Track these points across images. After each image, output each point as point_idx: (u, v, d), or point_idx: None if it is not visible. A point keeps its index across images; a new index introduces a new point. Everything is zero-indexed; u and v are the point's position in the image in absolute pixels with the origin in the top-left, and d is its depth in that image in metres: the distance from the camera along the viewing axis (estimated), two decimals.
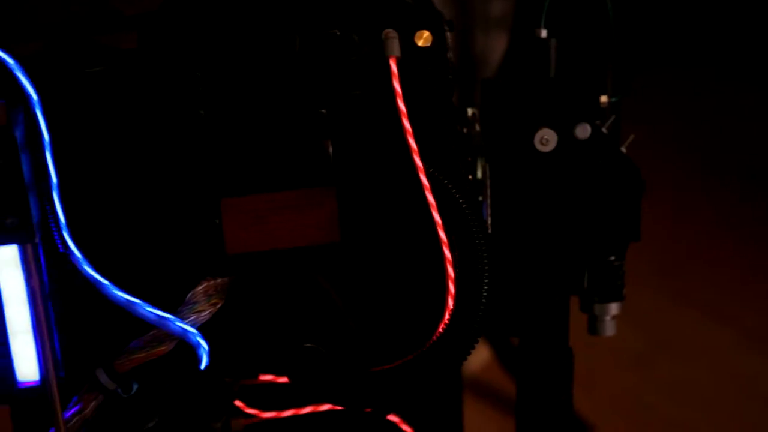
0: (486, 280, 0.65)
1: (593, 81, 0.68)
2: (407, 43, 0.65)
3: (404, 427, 0.72)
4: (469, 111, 0.70)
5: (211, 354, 0.65)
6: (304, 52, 0.64)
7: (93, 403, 0.64)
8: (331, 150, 0.65)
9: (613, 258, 0.70)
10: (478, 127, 0.70)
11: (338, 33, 0.64)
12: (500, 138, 0.69)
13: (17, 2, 0.81)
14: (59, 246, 0.62)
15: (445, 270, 0.64)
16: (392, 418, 0.73)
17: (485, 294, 0.66)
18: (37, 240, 0.62)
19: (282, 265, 0.67)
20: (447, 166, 0.65)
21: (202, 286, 0.65)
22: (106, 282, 0.61)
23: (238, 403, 0.70)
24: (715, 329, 1.30)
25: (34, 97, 0.60)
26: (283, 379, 0.69)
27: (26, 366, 0.66)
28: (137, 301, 0.62)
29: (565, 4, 0.70)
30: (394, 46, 0.63)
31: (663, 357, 1.25)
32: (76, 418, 0.64)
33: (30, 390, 0.66)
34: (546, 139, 0.66)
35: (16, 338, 0.65)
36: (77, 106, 0.63)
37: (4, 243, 0.61)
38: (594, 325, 0.72)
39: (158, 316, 0.62)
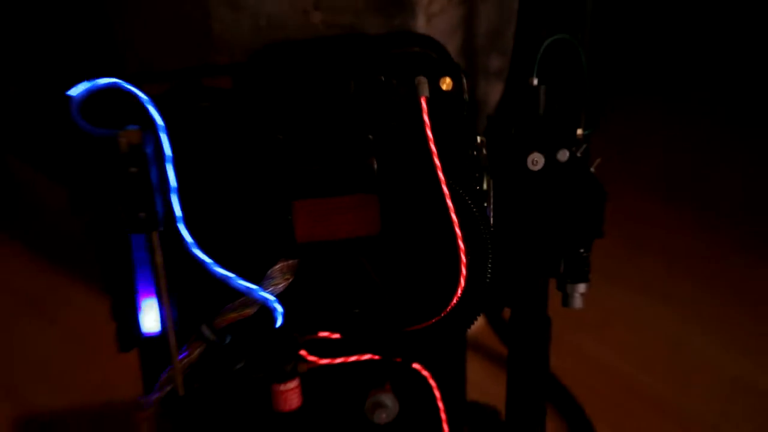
0: (489, 265, 0.75)
1: (571, 118, 0.76)
2: (433, 86, 0.73)
3: (424, 372, 0.82)
4: (478, 138, 0.77)
5: (284, 316, 0.74)
6: (357, 92, 0.73)
7: (197, 350, 0.74)
8: (375, 166, 0.74)
9: (582, 250, 0.79)
10: (484, 152, 0.77)
11: (382, 78, 0.73)
12: (501, 160, 0.77)
13: (151, 58, 0.90)
14: (177, 233, 0.70)
15: (459, 257, 0.73)
16: (415, 366, 0.82)
17: (488, 275, 0.75)
18: (160, 229, 0.70)
19: (337, 250, 0.76)
20: (461, 180, 0.74)
21: (279, 265, 0.75)
22: (209, 261, 0.71)
23: (302, 352, 0.78)
24: (653, 305, 1.41)
25: (160, 123, 0.68)
26: (336, 336, 0.79)
27: (150, 321, 0.76)
28: (232, 275, 0.71)
29: (549, 58, 0.77)
30: (424, 89, 0.72)
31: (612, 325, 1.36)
32: (185, 361, 0.74)
33: (152, 339, 0.76)
34: (536, 161, 0.75)
35: (143, 301, 0.75)
36: (191, 131, 0.72)
37: (137, 232, 0.70)
38: (566, 300, 0.80)
39: (247, 287, 0.72)
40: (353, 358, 0.80)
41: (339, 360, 0.80)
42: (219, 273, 0.72)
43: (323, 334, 0.79)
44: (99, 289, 1.40)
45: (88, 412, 1.26)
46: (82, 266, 1.47)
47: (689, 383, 1.26)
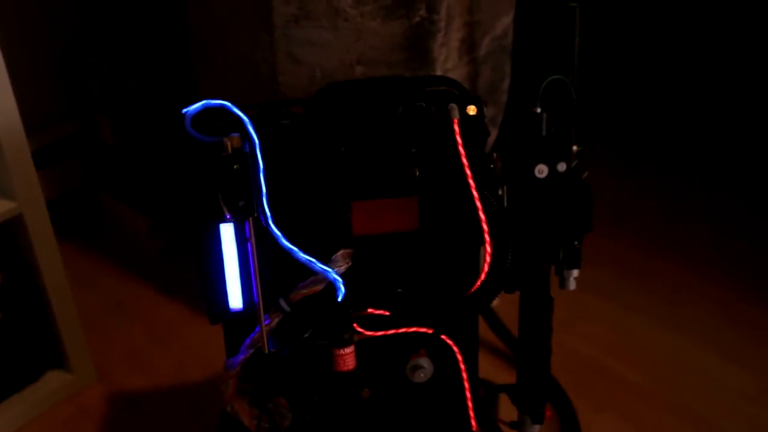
0: (509, 252, 0.74)
1: (567, 138, 0.76)
2: (462, 112, 0.73)
3: (449, 341, 0.79)
4: (494, 155, 0.77)
5: (343, 294, 0.72)
6: (403, 115, 0.73)
7: (276, 320, 0.73)
8: (417, 173, 0.72)
9: (576, 242, 0.78)
10: (499, 164, 0.76)
11: (423, 105, 0.73)
12: (514, 171, 0.76)
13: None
14: (267, 227, 0.69)
15: (485, 245, 0.72)
16: (443, 337, 0.79)
17: (508, 261, 0.74)
18: (256, 214, 0.68)
19: (384, 242, 0.74)
20: (484, 186, 0.73)
21: (340, 252, 0.73)
22: (295, 248, 0.69)
23: (355, 325, 0.76)
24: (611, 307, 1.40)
25: (254, 136, 0.67)
26: (382, 312, 0.77)
27: (235, 299, 0.74)
28: (312, 259, 0.70)
29: (547, 90, 0.77)
30: (456, 113, 0.72)
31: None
32: (266, 328, 0.73)
33: (236, 314, 0.74)
34: (541, 170, 0.75)
35: (231, 281, 0.73)
36: (275, 144, 0.71)
37: (239, 219, 0.68)
38: (563, 283, 0.79)
39: (323, 269, 0.70)
40: (391, 331, 0.78)
41: (381, 333, 0.78)
42: (303, 258, 0.70)
43: (372, 311, 0.77)
44: (167, 295, 1.41)
45: (165, 391, 1.24)
46: (155, 278, 1.46)
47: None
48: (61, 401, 1.21)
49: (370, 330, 0.77)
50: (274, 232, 0.69)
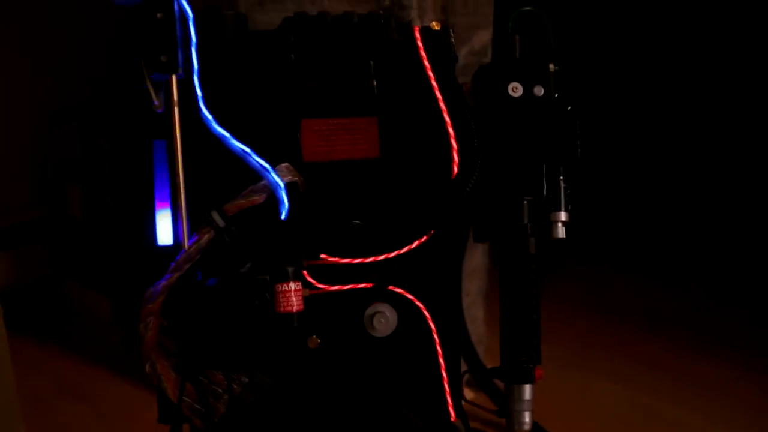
0: (477, 162, 0.66)
1: (544, 61, 0.69)
2: (425, 30, 0.66)
3: (408, 295, 0.67)
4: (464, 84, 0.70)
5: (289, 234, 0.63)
6: (360, 23, 0.66)
7: (206, 236, 0.62)
8: (375, 88, 0.66)
9: (561, 177, 0.68)
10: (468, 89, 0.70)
11: (381, 13, 0.67)
12: (486, 92, 0.69)
13: None
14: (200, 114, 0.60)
15: (451, 155, 0.65)
16: (396, 289, 0.67)
17: (476, 170, 0.66)
18: (180, 75, 0.59)
19: (339, 171, 0.66)
20: (452, 102, 0.66)
21: (285, 164, 0.63)
22: (227, 134, 0.60)
23: (305, 274, 0.65)
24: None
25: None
26: (336, 260, 0.66)
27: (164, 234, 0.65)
28: (249, 150, 0.61)
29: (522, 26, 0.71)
30: (417, 21, 0.67)
31: None
32: (194, 246, 0.61)
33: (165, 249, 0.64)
34: (515, 88, 0.68)
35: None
36: (218, 47, 0.63)
37: (160, 72, 0.58)
38: (549, 231, 0.68)
39: (262, 165, 0.61)
40: (351, 286, 0.66)
41: (339, 287, 0.66)
42: (237, 147, 0.61)
43: (325, 257, 0.66)
44: (124, 378, 1.27)
45: None
46: (114, 364, 1.34)
47: None
48: None
49: (322, 283, 0.66)
50: (204, 115, 0.60)
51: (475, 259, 1.09)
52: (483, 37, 1.06)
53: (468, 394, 0.74)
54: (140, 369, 1.26)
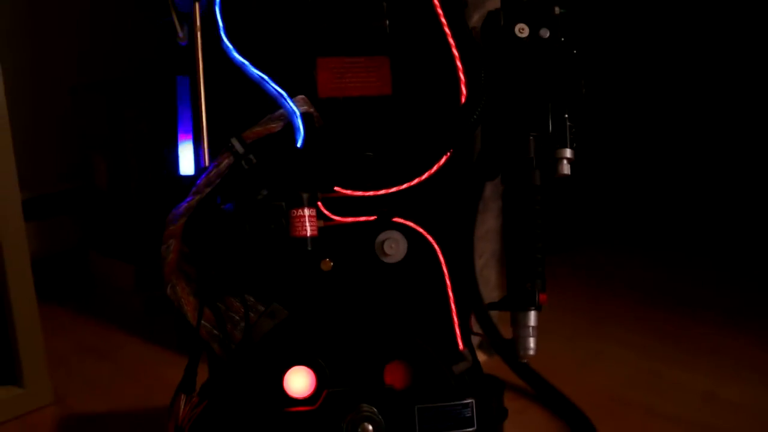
0: (483, 94, 0.68)
1: (550, 4, 0.71)
2: None
3: (416, 227, 0.70)
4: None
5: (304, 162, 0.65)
6: None
7: (226, 161, 0.65)
8: (387, 28, 0.68)
9: (567, 116, 0.70)
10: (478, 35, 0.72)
11: None
12: (495, 34, 0.71)
13: None
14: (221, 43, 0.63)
15: (459, 88, 0.67)
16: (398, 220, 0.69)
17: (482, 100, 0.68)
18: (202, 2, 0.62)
19: (353, 106, 0.68)
20: (461, 40, 0.69)
21: (302, 96, 0.66)
22: (246, 62, 0.63)
23: (320, 205, 0.68)
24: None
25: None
26: (350, 193, 0.68)
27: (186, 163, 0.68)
28: (266, 77, 0.63)
29: None
30: None
31: None
32: (214, 170, 0.65)
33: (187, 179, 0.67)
34: (522, 29, 0.70)
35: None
36: None
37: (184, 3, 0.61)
38: (555, 168, 0.70)
39: (278, 92, 0.64)
40: (365, 218, 0.69)
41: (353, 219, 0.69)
42: (255, 74, 0.64)
43: (339, 189, 0.69)
44: (144, 341, 1.30)
45: (126, 415, 1.10)
46: (135, 331, 1.37)
47: None
48: (9, 420, 1.08)
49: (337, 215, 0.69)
50: (225, 44, 0.63)
51: (488, 222, 1.11)
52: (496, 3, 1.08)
53: (481, 356, 0.76)
54: (164, 334, 1.31)
